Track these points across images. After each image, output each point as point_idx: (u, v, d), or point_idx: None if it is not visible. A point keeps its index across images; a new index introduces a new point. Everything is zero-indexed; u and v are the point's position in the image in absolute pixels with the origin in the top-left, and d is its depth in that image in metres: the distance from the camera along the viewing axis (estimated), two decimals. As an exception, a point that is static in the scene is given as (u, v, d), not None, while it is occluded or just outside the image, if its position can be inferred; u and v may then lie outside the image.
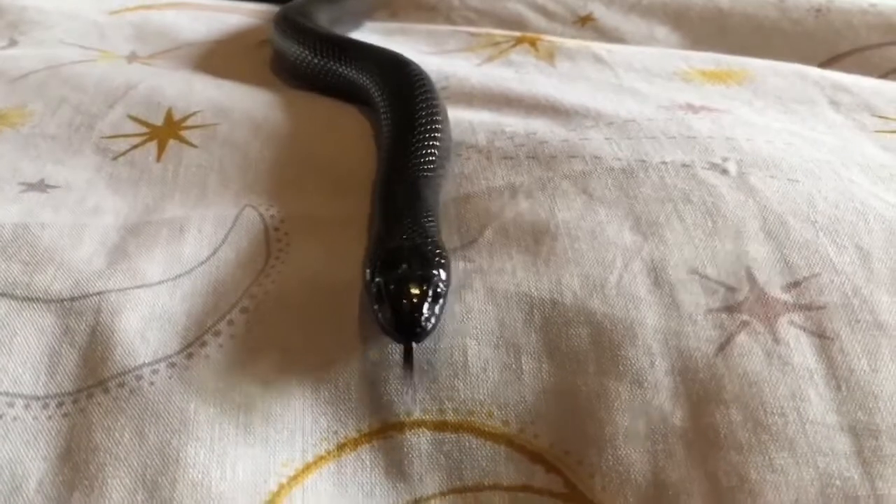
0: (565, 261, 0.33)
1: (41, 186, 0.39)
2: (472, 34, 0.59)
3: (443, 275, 0.31)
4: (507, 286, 0.33)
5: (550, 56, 0.53)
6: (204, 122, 0.44)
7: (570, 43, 0.56)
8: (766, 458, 0.27)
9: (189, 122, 0.44)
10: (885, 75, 0.54)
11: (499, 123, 0.42)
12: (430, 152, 0.39)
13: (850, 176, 0.36)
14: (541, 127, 0.41)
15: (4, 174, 0.40)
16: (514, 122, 0.42)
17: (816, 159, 0.38)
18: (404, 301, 0.30)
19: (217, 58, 0.54)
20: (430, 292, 0.30)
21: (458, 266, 0.34)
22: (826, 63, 0.56)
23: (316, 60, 0.47)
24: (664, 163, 0.37)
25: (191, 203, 0.38)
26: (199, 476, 0.27)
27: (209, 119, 0.44)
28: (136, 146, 0.43)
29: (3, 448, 0.28)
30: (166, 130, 0.43)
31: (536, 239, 0.34)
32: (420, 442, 0.30)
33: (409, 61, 0.45)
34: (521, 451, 0.30)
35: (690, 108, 0.44)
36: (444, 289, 0.31)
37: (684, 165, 0.37)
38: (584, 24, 0.63)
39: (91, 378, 0.30)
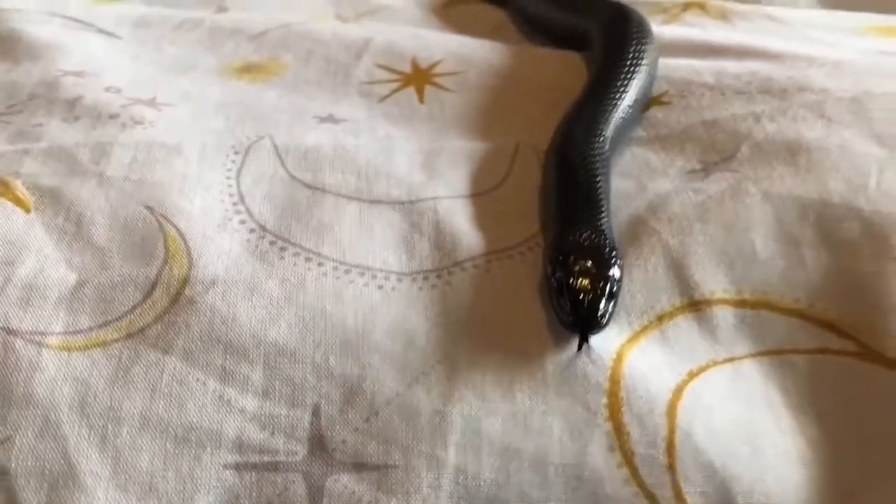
0: (825, 169, 0.39)
1: (333, 119, 0.45)
2: (638, 2, 0.64)
3: (617, 274, 0.35)
4: (779, 189, 0.38)
5: (724, 17, 0.58)
6: (453, 70, 0.49)
7: (739, 6, 0.61)
8: None
9: (437, 70, 0.50)
10: None
11: (720, 66, 0.47)
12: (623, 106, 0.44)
13: None
14: (761, 68, 0.46)
15: (296, 111, 0.46)
16: (732, 65, 0.47)
17: None
18: (583, 298, 0.33)
19: (422, 16, 0.59)
20: (607, 291, 0.34)
21: (724, 176, 0.39)
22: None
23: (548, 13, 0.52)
24: (887, 93, 0.43)
25: (469, 137, 0.44)
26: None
27: (454, 67, 0.50)
28: (395, 90, 0.48)
29: (391, 310, 0.34)
30: (418, 77, 0.49)
31: (792, 153, 0.40)
32: (725, 315, 0.35)
33: (630, 13, 0.50)
34: (814, 322, 0.35)
35: (884, 53, 0.49)
36: (619, 287, 0.35)
37: (905, 93, 0.43)
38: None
39: (447, 260, 0.36)
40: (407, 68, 0.50)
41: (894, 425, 0.33)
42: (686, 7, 0.62)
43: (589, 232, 0.36)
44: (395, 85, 0.49)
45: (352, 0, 0.64)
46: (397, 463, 0.31)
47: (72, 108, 0.44)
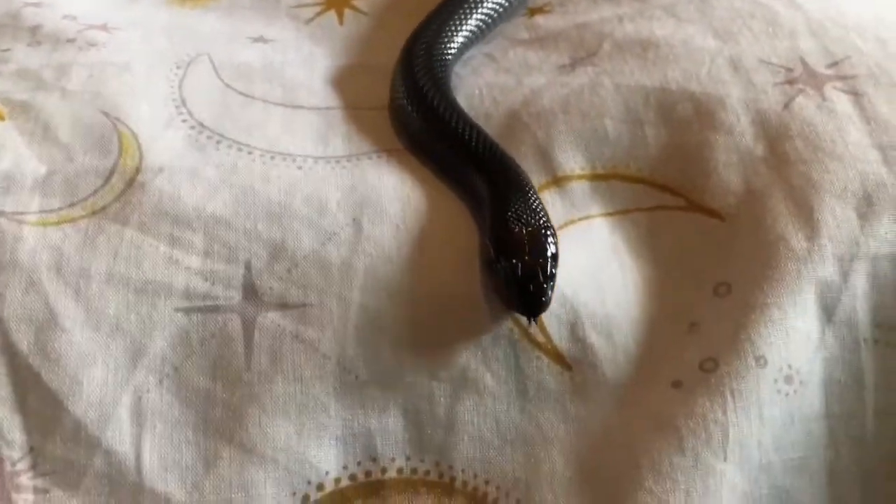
0: (668, 61, 0.46)
1: (263, 40, 0.52)
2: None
3: (554, 250, 0.38)
4: (628, 81, 0.46)
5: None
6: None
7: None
8: (823, 165, 0.40)
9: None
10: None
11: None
12: None
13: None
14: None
15: (232, 32, 0.53)
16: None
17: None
18: (530, 286, 0.37)
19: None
20: (549, 273, 0.38)
21: (587, 70, 0.47)
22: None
23: None
24: (731, -7, 0.50)
25: (375, 56, 0.51)
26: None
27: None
28: (319, 13, 0.55)
29: (309, 184, 0.42)
30: (338, 1, 0.56)
31: (644, 48, 0.47)
32: (582, 186, 0.43)
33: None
34: (653, 186, 0.43)
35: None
36: (556, 263, 0.38)
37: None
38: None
39: (354, 150, 0.44)
40: (328, -8, 0.57)
41: (714, 259, 0.41)
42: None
43: (525, 212, 0.40)
44: (318, 8, 0.56)
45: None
46: (313, 302, 0.39)
47: (34, 34, 0.51)
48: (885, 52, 0.45)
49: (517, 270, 0.37)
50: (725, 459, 0.37)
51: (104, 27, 0.52)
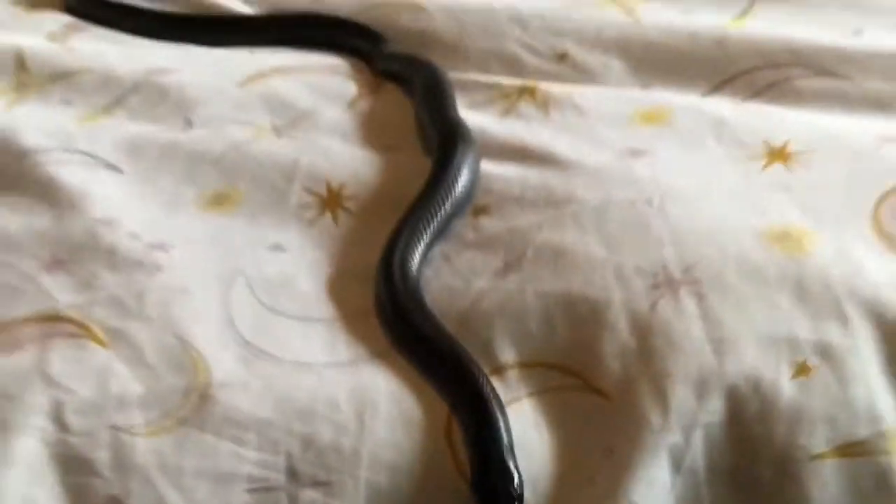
0: (572, 269, 0.65)
1: (280, 248, 0.70)
2: (488, 85, 0.88)
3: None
4: (544, 287, 0.64)
5: (545, 106, 0.82)
6: (354, 194, 0.74)
7: (557, 90, 0.85)
8: (675, 358, 0.59)
9: (344, 193, 0.74)
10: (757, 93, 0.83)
11: (525, 175, 0.73)
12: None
13: (722, 201, 0.68)
14: (550, 178, 0.72)
15: (256, 240, 0.71)
16: (534, 174, 0.73)
17: (701, 188, 0.69)
18: None
19: (337, 121, 0.83)
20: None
21: (513, 278, 0.65)
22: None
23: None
24: (621, 201, 0.68)
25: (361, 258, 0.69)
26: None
27: (355, 191, 0.74)
28: (318, 215, 0.73)
29: (324, 389, 0.60)
30: (332, 200, 0.74)
31: (555, 256, 0.66)
32: (515, 373, 0.62)
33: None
34: (562, 370, 0.61)
35: (634, 153, 0.74)
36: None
37: (630, 201, 0.68)
38: (562, 60, 0.92)
39: (356, 355, 0.62)
40: (323, 191, 0.75)
41: (604, 429, 0.59)
42: (521, 92, 0.86)
43: (504, 476, 0.54)
44: (317, 210, 0.74)
45: (282, 107, 0.88)
46: (334, 480, 0.57)
47: (111, 257, 0.69)
48: (724, 256, 0.64)
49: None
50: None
51: (162, 247, 0.70)
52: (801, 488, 0.57)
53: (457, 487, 0.57)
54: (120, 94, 0.90)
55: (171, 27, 1.06)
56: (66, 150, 0.82)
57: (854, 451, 0.57)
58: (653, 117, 0.79)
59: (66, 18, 1.09)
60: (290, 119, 0.85)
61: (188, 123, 0.86)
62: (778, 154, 0.72)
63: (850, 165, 0.71)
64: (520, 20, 0.96)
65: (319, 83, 0.90)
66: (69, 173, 0.78)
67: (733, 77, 0.85)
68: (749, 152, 0.73)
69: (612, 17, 0.95)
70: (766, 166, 0.72)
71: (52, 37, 1.05)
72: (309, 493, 0.57)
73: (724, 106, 0.80)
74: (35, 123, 0.86)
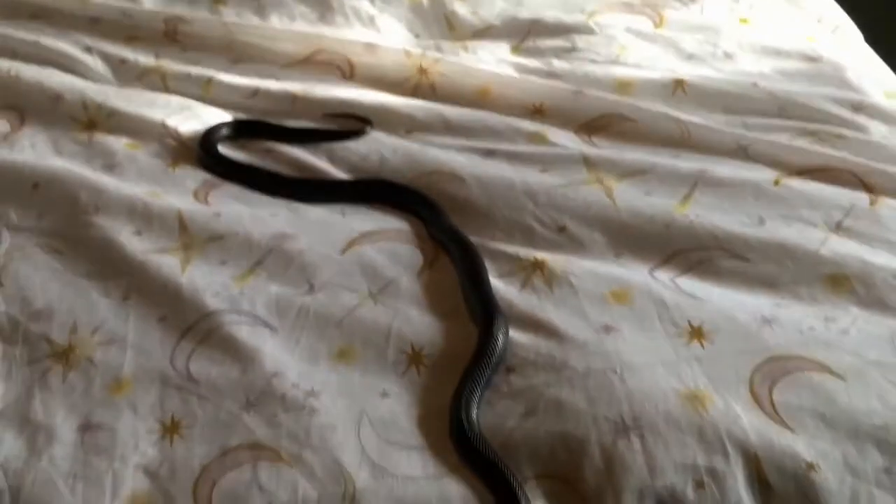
0: (567, 416, 1.07)
1: (385, 394, 1.12)
2: (510, 257, 1.29)
3: None
4: (547, 427, 1.06)
5: (549, 281, 1.24)
6: (430, 353, 1.16)
7: (559, 266, 1.26)
8: (628, 475, 1.01)
9: (424, 353, 1.16)
10: (689, 269, 1.25)
11: (536, 344, 1.15)
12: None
13: (658, 370, 1.10)
14: (553, 348, 1.13)
15: (370, 391, 1.13)
16: (543, 344, 1.14)
17: (647, 360, 1.10)
18: None
19: (413, 291, 1.25)
20: None
21: (528, 423, 1.07)
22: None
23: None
24: (595, 369, 1.10)
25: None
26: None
27: (430, 352, 1.17)
28: (407, 369, 1.15)
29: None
30: (415, 358, 1.16)
31: (558, 406, 1.07)
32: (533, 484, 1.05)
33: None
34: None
35: (606, 329, 1.16)
36: None
37: (602, 370, 1.10)
38: (562, 232, 1.33)
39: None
40: (409, 350, 1.16)
41: None
42: (534, 267, 1.27)
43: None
44: (406, 365, 1.15)
45: (374, 275, 1.29)
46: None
47: (283, 401, 1.11)
48: (657, 411, 1.06)
49: None
50: None
51: (314, 393, 1.12)
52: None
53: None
54: (260, 257, 1.32)
55: (283, 186, 1.48)
56: (236, 311, 1.24)
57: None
58: (619, 297, 1.21)
59: (201, 175, 1.51)
60: (381, 286, 1.26)
61: (311, 287, 1.28)
62: (696, 333, 1.15)
63: (738, 344, 1.13)
64: (532, 195, 1.38)
65: (396, 252, 1.32)
66: (243, 331, 1.21)
67: (675, 254, 1.28)
68: (678, 331, 1.16)
69: (596, 197, 1.37)
70: (688, 343, 1.14)
71: (196, 195, 1.46)
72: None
73: (665, 285, 1.22)
74: (205, 284, 1.28)
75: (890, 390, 1.07)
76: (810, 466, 1.01)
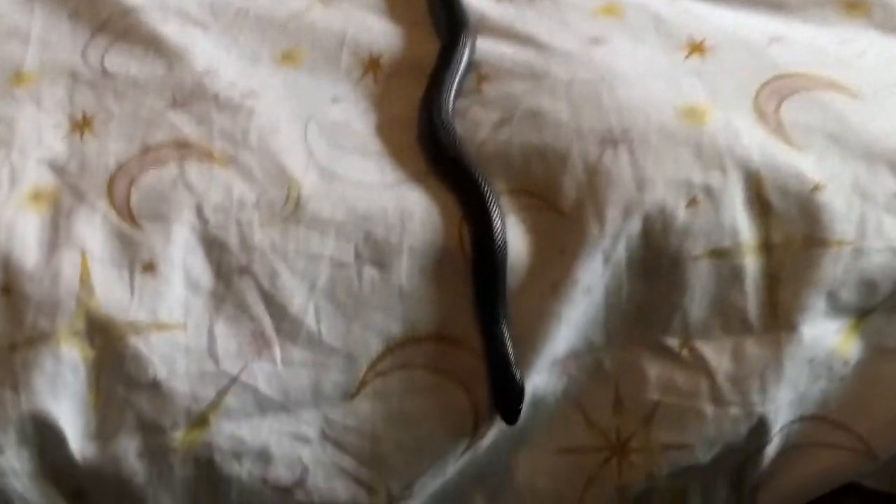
0: (546, 127, 0.93)
1: (338, 100, 0.97)
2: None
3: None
4: (527, 139, 0.93)
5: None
6: (389, 63, 1.01)
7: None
8: (613, 190, 0.89)
9: (380, 62, 1.01)
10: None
11: (514, 53, 1.00)
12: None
13: (653, 83, 0.96)
14: (533, 56, 0.99)
15: (320, 92, 0.98)
16: (520, 52, 1.00)
17: (640, 72, 0.96)
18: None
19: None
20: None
21: (507, 129, 0.93)
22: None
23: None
24: (581, 79, 0.96)
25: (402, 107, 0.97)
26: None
27: (389, 61, 1.01)
28: (363, 74, 1.00)
29: (383, 199, 0.89)
30: (372, 65, 1.00)
31: (535, 117, 0.94)
32: (504, 198, 0.92)
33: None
34: (526, 193, 0.91)
35: (595, 41, 1.01)
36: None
37: (589, 79, 0.96)
38: None
39: (400, 178, 0.91)
40: (366, 56, 1.01)
41: (558, 238, 0.90)
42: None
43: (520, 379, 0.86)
44: (362, 70, 1.00)
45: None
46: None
47: (216, 100, 0.96)
48: (649, 123, 0.92)
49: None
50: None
51: (254, 94, 0.97)
52: (684, 275, 0.89)
53: (461, 267, 0.89)
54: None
55: None
56: (161, 8, 1.06)
57: (719, 254, 0.89)
58: (610, 10, 1.06)
59: None
60: (335, -9, 1.10)
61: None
62: (696, 47, 1.01)
63: (744, 59, 0.99)
64: None
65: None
66: (169, 29, 1.03)
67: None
68: (676, 44, 1.01)
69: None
70: (686, 56, 1.00)
71: None
72: (368, 269, 0.88)
73: (662, 2, 1.07)
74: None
75: (907, 112, 0.95)
76: (817, 187, 0.89)
